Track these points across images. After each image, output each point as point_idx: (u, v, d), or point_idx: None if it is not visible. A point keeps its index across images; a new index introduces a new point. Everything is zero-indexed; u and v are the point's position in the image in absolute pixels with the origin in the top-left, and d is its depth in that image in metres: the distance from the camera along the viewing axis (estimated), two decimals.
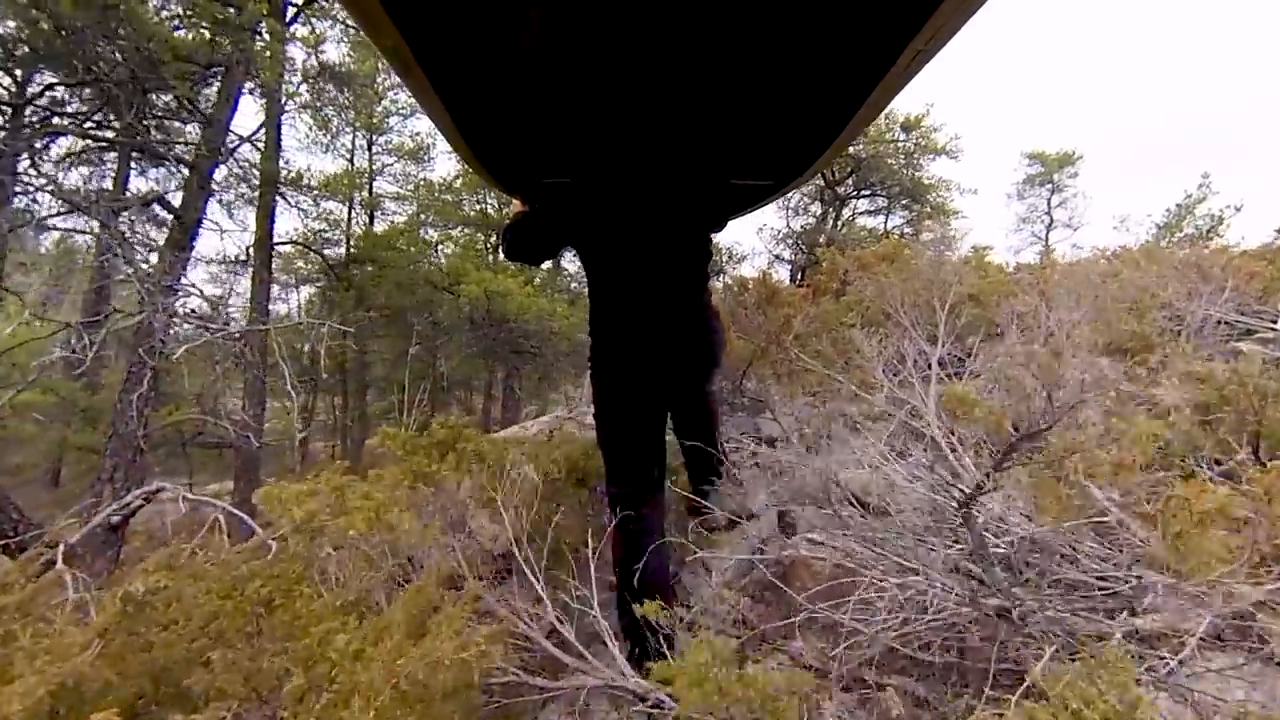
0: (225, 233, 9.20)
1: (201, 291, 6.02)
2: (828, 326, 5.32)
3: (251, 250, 9.56)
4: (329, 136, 18.07)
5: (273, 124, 9.68)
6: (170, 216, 8.58)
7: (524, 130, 2.21)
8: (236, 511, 4.68)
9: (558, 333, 10.14)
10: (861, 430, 4.64)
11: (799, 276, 16.29)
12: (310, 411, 17.44)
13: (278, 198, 10.08)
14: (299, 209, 10.93)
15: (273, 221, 9.85)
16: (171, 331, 5.50)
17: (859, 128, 1.98)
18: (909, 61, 1.41)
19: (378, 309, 12.64)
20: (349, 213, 18.54)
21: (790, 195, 18.08)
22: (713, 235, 2.70)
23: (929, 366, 4.51)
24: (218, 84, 7.92)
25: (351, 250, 12.08)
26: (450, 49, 1.56)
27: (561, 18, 1.54)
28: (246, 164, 13.29)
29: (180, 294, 5.64)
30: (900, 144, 15.21)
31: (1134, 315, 3.28)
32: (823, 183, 16.58)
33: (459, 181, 18.77)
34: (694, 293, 2.34)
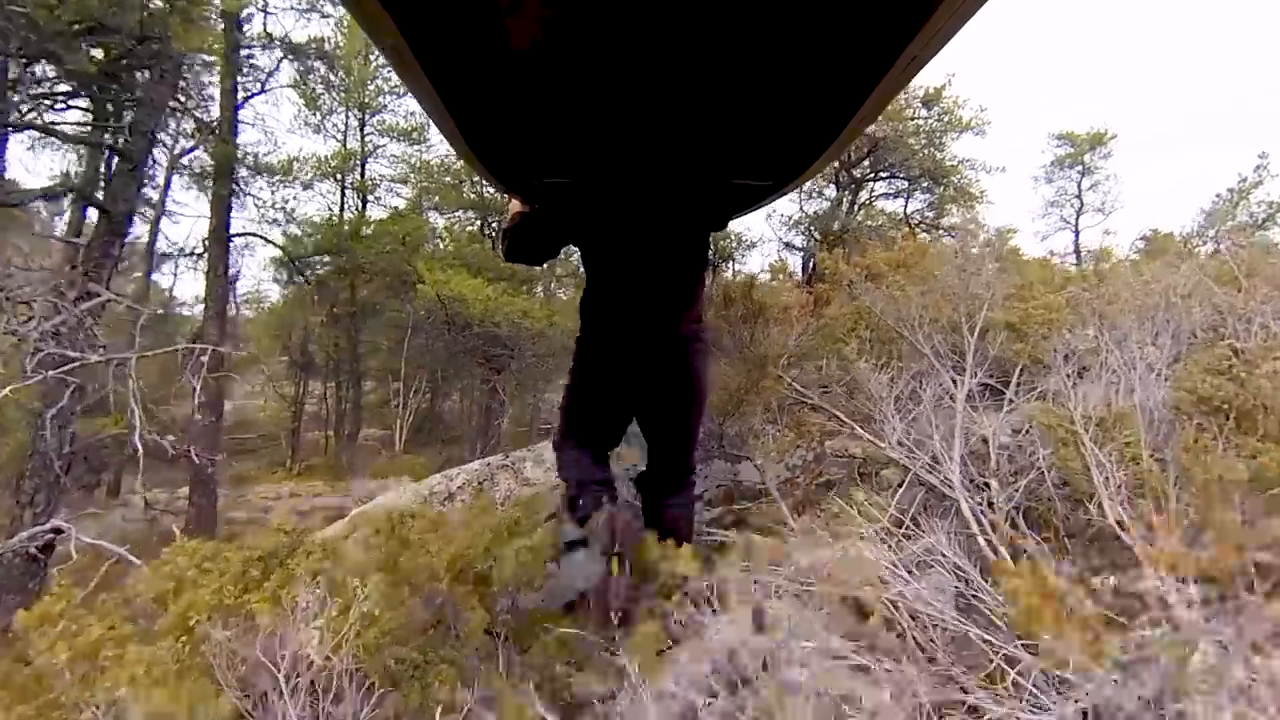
0: (166, 222, 8.48)
1: (109, 293, 5.32)
2: (833, 339, 4.50)
3: (207, 242, 8.81)
4: (320, 116, 17.32)
5: (228, 102, 8.87)
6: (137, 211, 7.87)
7: (524, 130, 2.22)
8: (130, 558, 4.03)
9: (534, 333, 9.25)
10: (869, 481, 3.84)
11: (810, 265, 15.33)
12: (299, 403, 16.93)
13: (247, 183, 9.42)
14: (254, 197, 10.20)
15: (229, 210, 9.09)
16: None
17: (858, 130, 1.97)
18: (905, 65, 1.43)
19: (343, 304, 11.92)
20: (341, 197, 17.85)
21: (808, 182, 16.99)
22: (711, 235, 2.72)
23: (951, 399, 3.69)
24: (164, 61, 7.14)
25: (317, 241, 11.26)
26: (450, 48, 1.55)
27: (562, 20, 1.55)
28: (248, 154, 12.60)
29: (93, 296, 4.97)
30: (921, 121, 14.07)
31: (1233, 353, 2.45)
32: (838, 164, 15.53)
33: (459, 164, 17.98)
34: (687, 294, 2.28)
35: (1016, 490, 2.99)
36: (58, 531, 4.49)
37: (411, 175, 18.76)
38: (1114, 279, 3.78)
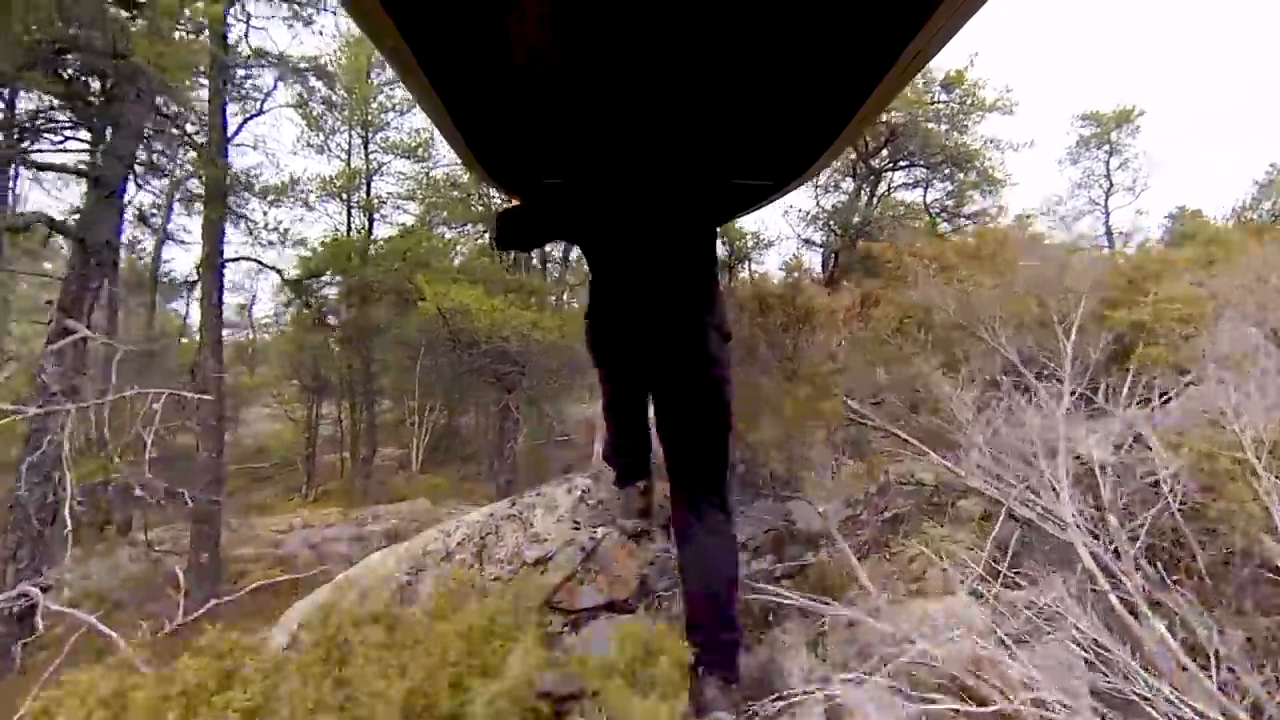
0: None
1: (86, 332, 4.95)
2: (879, 341, 3.94)
3: (200, 270, 8.37)
4: (323, 136, 17.09)
5: (216, 122, 8.47)
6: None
7: (524, 131, 2.21)
8: (101, 628, 3.58)
9: (545, 345, 8.65)
10: (942, 514, 3.27)
11: (833, 261, 14.70)
12: (312, 427, 16.63)
13: (243, 205, 9.06)
14: (248, 219, 9.78)
15: (222, 235, 8.65)
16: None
17: (860, 127, 1.92)
18: (909, 61, 1.41)
19: (351, 325, 11.45)
20: (348, 217, 17.57)
21: (824, 175, 16.48)
22: (720, 233, 2.65)
23: (1044, 408, 3.11)
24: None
25: (320, 262, 10.77)
26: (450, 51, 1.54)
27: (561, 20, 1.55)
28: (242, 175, 12.28)
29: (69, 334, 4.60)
30: (942, 106, 13.37)
31: None
32: (855, 156, 14.90)
33: (465, 178, 17.61)
34: (698, 292, 2.19)
35: (1140, 526, 2.42)
36: (25, 597, 4.09)
37: (419, 191, 18.48)
38: (1228, 262, 3.19)
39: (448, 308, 8.14)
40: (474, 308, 7.83)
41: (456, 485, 16.36)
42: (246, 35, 8.93)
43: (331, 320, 10.72)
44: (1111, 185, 20.85)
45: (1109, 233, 21.02)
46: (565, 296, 19.82)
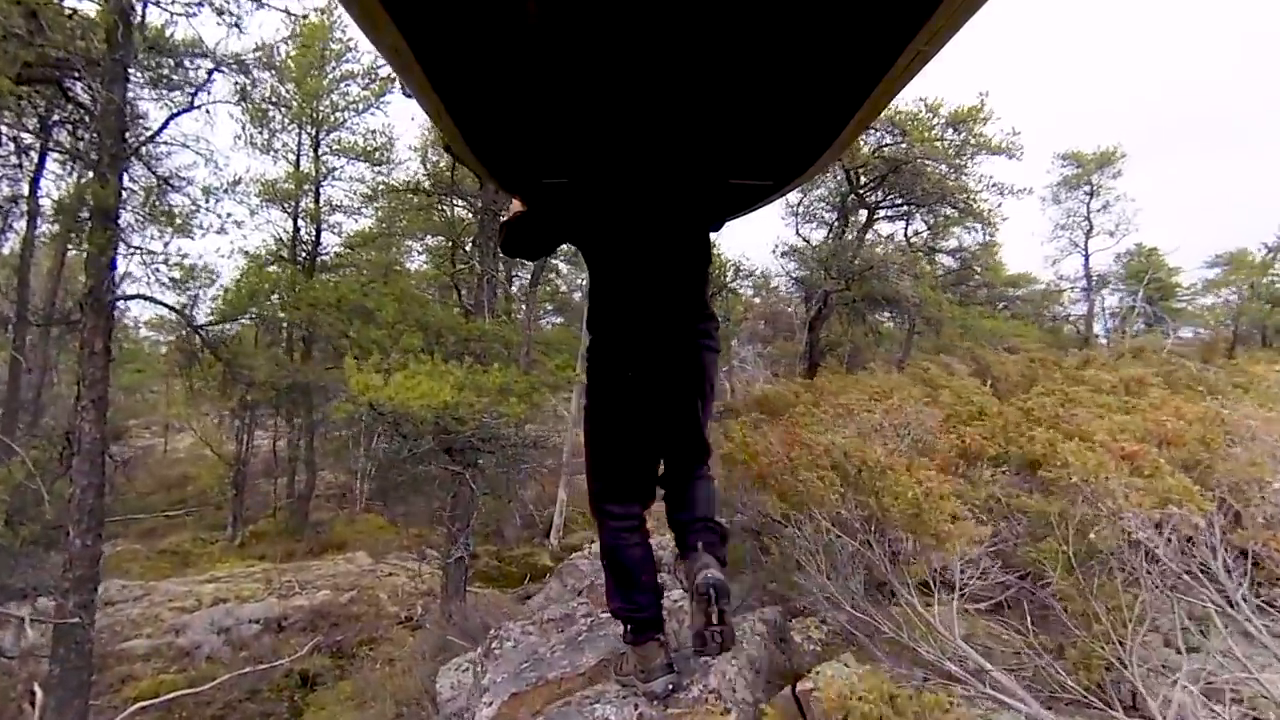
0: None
1: None
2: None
3: (82, 308, 6.70)
4: (267, 134, 15.44)
5: (111, 125, 6.77)
6: None
7: (524, 130, 2.22)
8: None
9: (511, 419, 7.19)
10: None
11: (821, 307, 13.79)
12: (241, 459, 14.90)
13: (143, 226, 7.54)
14: (143, 249, 8.14)
15: (113, 267, 6.99)
16: None
17: (860, 127, 1.94)
18: (909, 61, 1.40)
19: (258, 386, 9.88)
20: (294, 228, 15.91)
21: (805, 205, 15.71)
22: (712, 233, 2.61)
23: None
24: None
25: (229, 299, 9.17)
26: (450, 48, 1.57)
27: (561, 18, 1.57)
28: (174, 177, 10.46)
29: None
30: (947, 144, 12.53)
31: None
32: (848, 187, 14.03)
33: (428, 183, 16.19)
34: (692, 293, 2.24)
35: None
36: None
37: (380, 196, 16.93)
38: None
39: (382, 405, 6.62)
40: (415, 403, 6.28)
41: (404, 528, 14.85)
42: (143, 15, 7.33)
43: (249, 372, 9.00)
44: (1092, 227, 20.59)
45: (1088, 276, 20.83)
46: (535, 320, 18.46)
